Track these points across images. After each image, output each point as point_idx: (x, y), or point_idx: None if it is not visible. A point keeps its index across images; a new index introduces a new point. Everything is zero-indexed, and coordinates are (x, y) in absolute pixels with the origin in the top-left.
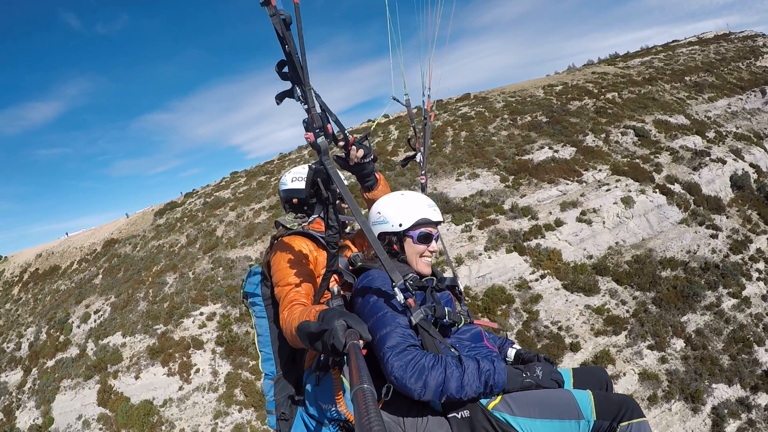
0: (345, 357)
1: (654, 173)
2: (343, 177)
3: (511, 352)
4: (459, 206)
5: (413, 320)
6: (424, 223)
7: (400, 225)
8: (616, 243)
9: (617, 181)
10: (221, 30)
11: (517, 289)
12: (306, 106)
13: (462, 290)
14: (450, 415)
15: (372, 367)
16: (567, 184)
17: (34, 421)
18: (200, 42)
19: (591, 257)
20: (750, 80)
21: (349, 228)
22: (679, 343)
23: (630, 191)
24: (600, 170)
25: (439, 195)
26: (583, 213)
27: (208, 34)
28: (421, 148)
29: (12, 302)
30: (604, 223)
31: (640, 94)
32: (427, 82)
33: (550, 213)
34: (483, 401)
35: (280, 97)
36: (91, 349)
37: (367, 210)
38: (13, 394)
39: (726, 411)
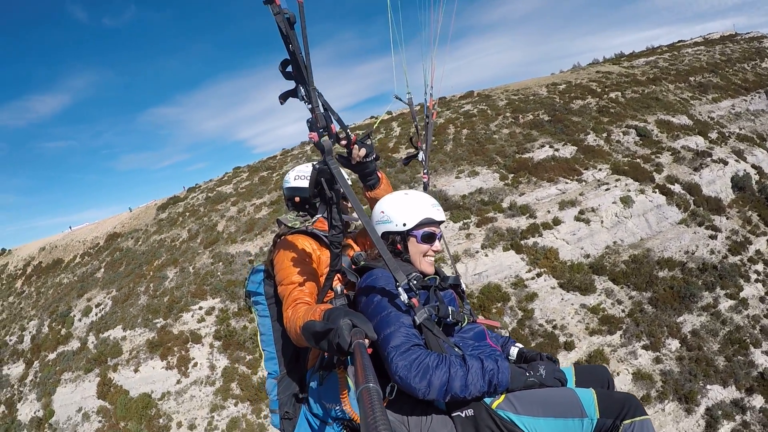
0: (350, 356)
1: (654, 173)
2: (345, 175)
3: (514, 351)
4: (458, 204)
5: (417, 320)
6: (428, 222)
7: (404, 224)
8: (614, 242)
9: (617, 180)
10: (228, 24)
11: (512, 287)
12: (310, 106)
13: (465, 289)
14: (454, 414)
15: (376, 366)
16: (566, 183)
17: (35, 413)
18: (207, 36)
19: (588, 256)
20: (755, 82)
21: (352, 227)
22: (674, 344)
23: (629, 191)
24: (600, 169)
25: (439, 192)
26: (581, 212)
27: (215, 28)
28: (423, 147)
29: (15, 295)
30: (602, 222)
31: (644, 93)
32: (429, 80)
33: (549, 211)
34: (487, 400)
35: (284, 97)
36: (92, 342)
37: (368, 208)
38: (15, 386)
39: (720, 412)
